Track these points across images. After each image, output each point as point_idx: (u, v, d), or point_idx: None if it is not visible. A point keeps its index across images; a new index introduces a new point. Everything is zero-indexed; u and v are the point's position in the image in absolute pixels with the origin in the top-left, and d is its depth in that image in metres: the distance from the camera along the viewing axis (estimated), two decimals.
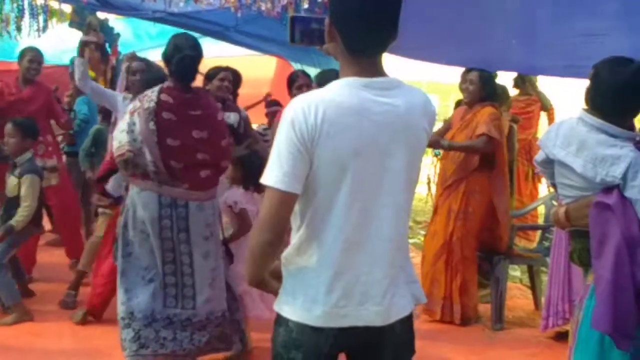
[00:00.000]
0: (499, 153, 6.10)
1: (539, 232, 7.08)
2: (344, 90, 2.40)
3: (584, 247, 3.05)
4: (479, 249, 6.16)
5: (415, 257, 6.85)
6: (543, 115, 8.66)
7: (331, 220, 2.40)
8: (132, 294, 4.45)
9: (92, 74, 6.91)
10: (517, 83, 8.46)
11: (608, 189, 2.96)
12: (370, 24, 2.39)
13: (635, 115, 3.16)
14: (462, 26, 6.06)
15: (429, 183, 7.06)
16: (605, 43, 5.06)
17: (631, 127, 3.25)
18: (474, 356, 5.41)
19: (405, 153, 2.44)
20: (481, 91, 6.17)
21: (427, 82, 19.73)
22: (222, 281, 4.63)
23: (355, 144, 2.36)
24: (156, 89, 4.42)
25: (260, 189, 4.93)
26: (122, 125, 4.38)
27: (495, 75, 6.44)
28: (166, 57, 4.48)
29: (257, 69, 10.12)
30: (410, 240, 8.40)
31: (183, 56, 4.38)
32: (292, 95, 6.06)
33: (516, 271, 7.64)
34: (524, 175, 7.86)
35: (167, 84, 4.46)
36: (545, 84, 8.51)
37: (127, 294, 4.45)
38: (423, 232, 8.57)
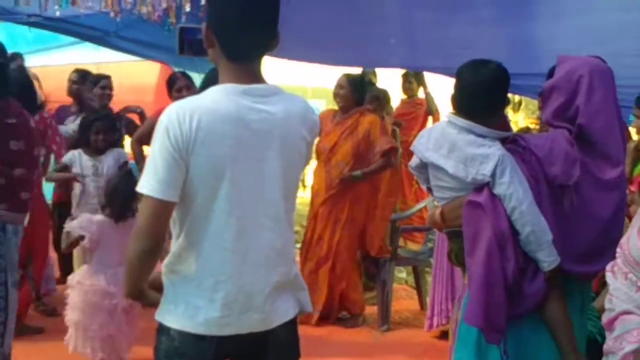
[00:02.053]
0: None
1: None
2: (221, 97, 2.38)
3: (461, 247, 3.12)
4: (364, 252, 6.23)
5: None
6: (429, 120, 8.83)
7: (210, 228, 2.38)
8: None
9: None
10: (404, 87, 8.61)
11: (479, 187, 3.04)
12: (247, 29, 2.39)
13: (500, 114, 3.26)
14: (341, 28, 6.16)
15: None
16: (479, 46, 5.23)
17: (506, 127, 3.36)
18: (361, 357, 5.46)
19: (282, 161, 2.44)
20: (352, 94, 6.22)
21: (312, 87, 19.81)
22: None
23: (231, 152, 2.35)
24: None
25: (121, 218, 4.75)
26: None
27: (370, 80, 6.54)
28: None
29: (140, 75, 9.95)
30: (297, 245, 8.40)
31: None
32: (172, 97, 5.92)
33: (402, 272, 7.76)
34: (408, 178, 7.98)
35: None
36: (433, 87, 8.67)
37: None
38: None
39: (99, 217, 4.80)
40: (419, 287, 6.76)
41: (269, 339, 2.49)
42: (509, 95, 6.96)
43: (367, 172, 6.08)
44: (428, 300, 6.02)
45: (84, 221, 4.78)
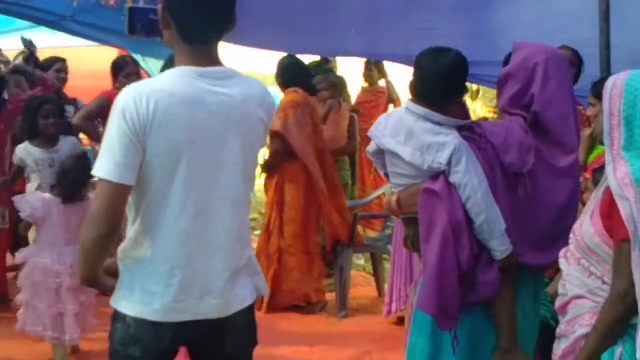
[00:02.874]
0: (295, 145, 6.11)
1: None
2: (178, 79, 2.37)
3: (416, 233, 3.13)
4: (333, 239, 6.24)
5: None
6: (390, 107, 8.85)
7: (167, 212, 2.37)
8: None
9: None
10: (365, 75, 8.63)
11: (435, 175, 3.05)
12: (205, 10, 2.38)
13: (458, 102, 3.28)
14: (305, 16, 6.16)
15: None
16: (439, 34, 5.25)
17: (465, 115, 3.38)
18: (318, 344, 5.47)
19: (241, 144, 2.44)
20: (278, 77, 6.31)
21: (271, 74, 19.73)
22: None
23: (189, 135, 2.34)
24: None
25: (70, 199, 4.72)
26: None
27: (330, 67, 6.53)
28: None
29: (97, 60, 9.80)
30: (257, 232, 8.39)
31: None
32: (117, 82, 5.77)
33: (360, 259, 7.79)
34: (367, 165, 8.00)
35: None
36: (393, 75, 8.70)
37: None
38: None
39: (47, 195, 4.77)
40: (376, 274, 6.79)
41: (226, 326, 2.49)
42: (467, 83, 7.03)
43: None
44: (385, 286, 6.05)
45: (31, 196, 4.78)
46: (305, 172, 6.14)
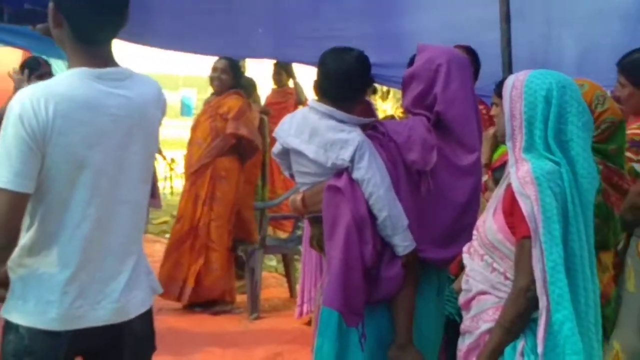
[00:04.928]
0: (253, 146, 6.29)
1: None
2: (75, 82, 2.29)
3: (322, 232, 3.15)
4: (234, 238, 6.28)
5: None
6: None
7: (67, 218, 2.29)
8: None
9: None
10: (275, 77, 8.63)
11: (339, 172, 3.07)
12: (100, 10, 2.31)
13: (361, 100, 3.30)
14: (209, 16, 6.10)
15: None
16: (346, 37, 5.26)
17: (370, 114, 3.40)
18: (230, 346, 5.43)
19: (143, 145, 2.41)
20: (232, 79, 6.33)
21: (184, 75, 19.60)
22: None
23: (91, 140, 2.28)
24: None
25: None
26: None
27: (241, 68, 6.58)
28: None
29: (1, 62, 9.53)
30: (166, 236, 8.27)
31: None
32: (29, 83, 5.64)
33: (272, 261, 7.79)
34: (277, 166, 7.97)
35: None
36: (301, 77, 8.73)
37: None
38: None
39: None
40: (288, 275, 6.81)
41: (124, 332, 2.43)
42: (377, 84, 7.10)
43: None
44: (297, 287, 6.06)
45: None
46: (241, 169, 6.29)
